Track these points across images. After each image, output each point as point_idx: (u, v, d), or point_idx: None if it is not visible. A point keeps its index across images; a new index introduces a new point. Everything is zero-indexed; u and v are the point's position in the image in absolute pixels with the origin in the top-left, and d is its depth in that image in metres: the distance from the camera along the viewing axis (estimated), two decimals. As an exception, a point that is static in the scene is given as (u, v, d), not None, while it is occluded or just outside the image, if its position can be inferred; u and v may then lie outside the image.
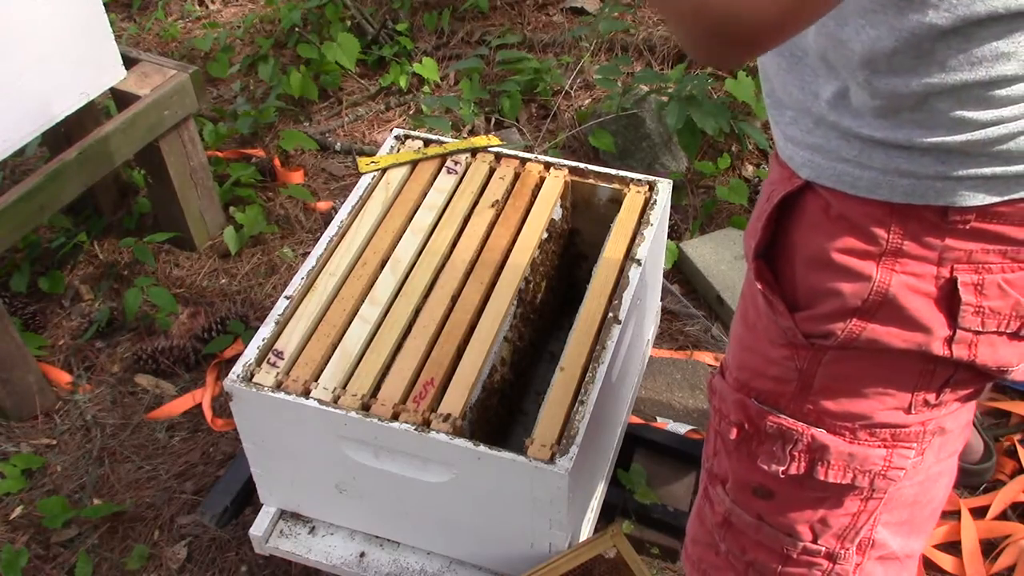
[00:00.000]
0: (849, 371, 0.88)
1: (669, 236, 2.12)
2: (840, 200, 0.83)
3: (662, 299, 2.01)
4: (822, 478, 0.92)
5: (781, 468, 0.93)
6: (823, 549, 0.99)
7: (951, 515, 1.78)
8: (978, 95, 0.74)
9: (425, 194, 1.68)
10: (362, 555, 1.54)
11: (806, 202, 0.87)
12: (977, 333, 0.83)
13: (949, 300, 0.82)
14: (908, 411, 0.89)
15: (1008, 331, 0.83)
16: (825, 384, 0.90)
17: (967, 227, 0.79)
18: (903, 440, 0.91)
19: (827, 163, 0.82)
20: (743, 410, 0.95)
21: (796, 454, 0.92)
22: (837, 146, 0.81)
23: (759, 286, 0.90)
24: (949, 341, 0.83)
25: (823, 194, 0.84)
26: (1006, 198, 0.78)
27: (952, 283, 0.81)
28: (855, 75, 0.77)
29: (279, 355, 1.42)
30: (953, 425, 0.93)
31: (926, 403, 0.88)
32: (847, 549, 0.99)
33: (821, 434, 0.91)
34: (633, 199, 1.66)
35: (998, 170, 0.76)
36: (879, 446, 0.90)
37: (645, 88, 2.58)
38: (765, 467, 0.94)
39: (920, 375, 0.87)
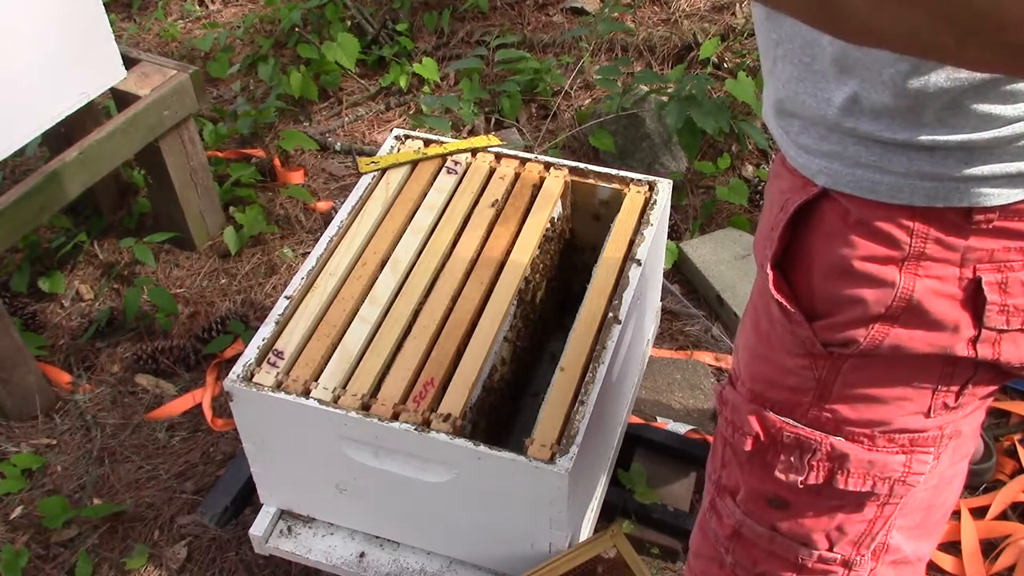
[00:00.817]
0: (869, 378, 0.88)
1: (669, 236, 2.12)
2: (859, 206, 0.82)
3: (662, 299, 2.01)
4: (842, 487, 0.91)
5: (800, 478, 0.92)
6: (839, 556, 0.98)
7: (951, 515, 1.78)
8: (1005, 89, 0.73)
9: (425, 194, 1.68)
10: (362, 555, 1.54)
11: (823, 210, 0.85)
12: (1001, 332, 0.82)
13: (974, 300, 0.81)
14: (928, 415, 0.88)
15: None
16: (844, 392, 0.89)
17: (990, 226, 0.78)
18: (921, 445, 0.90)
19: (845, 169, 0.81)
20: (759, 421, 0.94)
21: (815, 463, 0.91)
22: (855, 152, 0.80)
23: (777, 296, 0.89)
24: (974, 341, 0.82)
25: (841, 201, 0.83)
26: None
27: (976, 283, 0.80)
28: (880, 74, 0.76)
29: (279, 355, 1.42)
30: (968, 428, 0.93)
31: (945, 406, 0.88)
32: (863, 555, 0.98)
33: (840, 443, 0.90)
34: (633, 199, 1.66)
35: (1023, 166, 0.76)
36: (898, 452, 0.90)
37: (645, 88, 2.58)
38: (783, 477, 0.93)
39: (940, 378, 0.86)
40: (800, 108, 0.84)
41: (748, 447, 0.95)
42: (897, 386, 0.87)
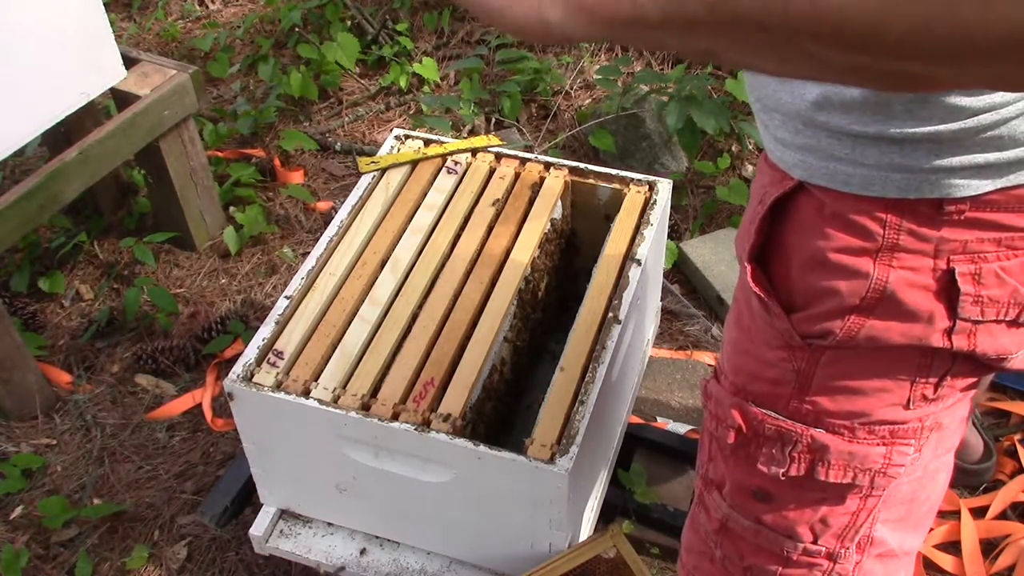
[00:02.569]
0: (847, 370, 0.88)
1: (669, 236, 2.12)
2: (834, 199, 0.83)
3: (662, 299, 2.01)
4: (823, 478, 0.92)
5: (781, 470, 0.93)
6: (823, 549, 0.99)
7: (951, 515, 1.78)
8: None
9: (425, 194, 1.68)
10: (362, 553, 1.54)
11: (799, 203, 0.87)
12: (976, 323, 0.83)
13: (948, 291, 0.82)
14: (907, 407, 0.89)
15: (1007, 319, 0.83)
16: (823, 384, 0.90)
17: (962, 217, 0.79)
18: (901, 437, 0.91)
19: (819, 162, 0.82)
20: (741, 414, 0.95)
21: (796, 455, 0.92)
22: (828, 145, 0.81)
23: (755, 289, 0.90)
24: (949, 332, 0.83)
25: (816, 194, 0.84)
26: (999, 185, 0.78)
27: (949, 274, 0.81)
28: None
29: (279, 355, 1.42)
30: (950, 421, 0.94)
31: (924, 398, 0.88)
32: (847, 548, 0.99)
33: (820, 434, 0.91)
34: (633, 199, 1.66)
35: (991, 157, 0.76)
36: (878, 444, 0.91)
37: (645, 88, 2.58)
38: (765, 470, 0.94)
39: (918, 369, 0.87)
40: (777, 104, 0.85)
41: (731, 440, 0.96)
42: (875, 378, 0.88)
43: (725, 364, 1.00)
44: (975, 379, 0.91)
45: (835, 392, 0.90)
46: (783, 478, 0.93)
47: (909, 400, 0.88)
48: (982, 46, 0.49)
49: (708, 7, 0.54)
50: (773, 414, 0.93)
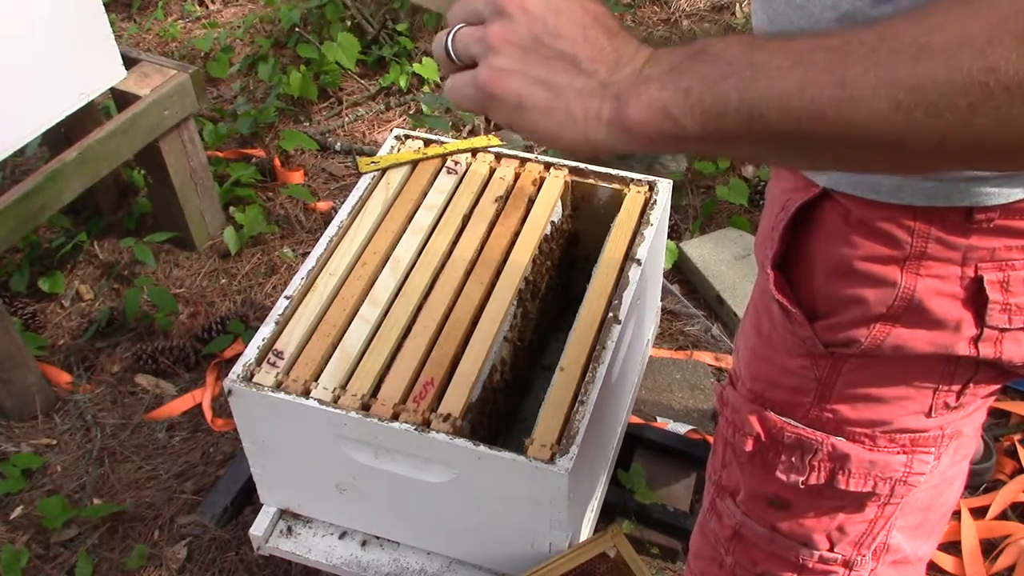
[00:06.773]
0: (870, 378, 0.87)
1: (669, 236, 2.12)
2: (860, 206, 0.82)
3: (662, 299, 2.01)
4: (843, 487, 0.91)
5: (801, 479, 0.92)
6: (839, 557, 0.98)
7: (951, 515, 1.78)
8: None
9: (425, 194, 1.68)
10: (362, 553, 1.54)
11: (824, 210, 0.85)
12: (1003, 330, 0.82)
13: (975, 299, 0.81)
14: (928, 415, 0.88)
15: None
16: (845, 392, 0.89)
17: (991, 225, 0.78)
18: (922, 445, 0.90)
19: None
20: (759, 421, 0.94)
21: (816, 464, 0.91)
22: None
23: (777, 297, 0.89)
24: (975, 340, 0.82)
25: (842, 201, 0.83)
26: None
27: (977, 282, 0.80)
28: None
29: (279, 355, 1.42)
30: (969, 428, 0.93)
31: (946, 406, 0.88)
32: (863, 555, 0.98)
33: (841, 443, 0.90)
34: (633, 199, 1.66)
35: None
36: (899, 452, 0.90)
37: (645, 88, 2.58)
38: (784, 478, 0.93)
39: (941, 377, 0.86)
40: None
41: (749, 447, 0.95)
42: (898, 386, 0.87)
43: (742, 370, 0.99)
44: (997, 386, 0.90)
45: (856, 400, 0.89)
46: (802, 487, 0.92)
47: (931, 408, 0.88)
48: (998, 151, 0.55)
49: (744, 124, 0.60)
50: (793, 422, 0.92)
